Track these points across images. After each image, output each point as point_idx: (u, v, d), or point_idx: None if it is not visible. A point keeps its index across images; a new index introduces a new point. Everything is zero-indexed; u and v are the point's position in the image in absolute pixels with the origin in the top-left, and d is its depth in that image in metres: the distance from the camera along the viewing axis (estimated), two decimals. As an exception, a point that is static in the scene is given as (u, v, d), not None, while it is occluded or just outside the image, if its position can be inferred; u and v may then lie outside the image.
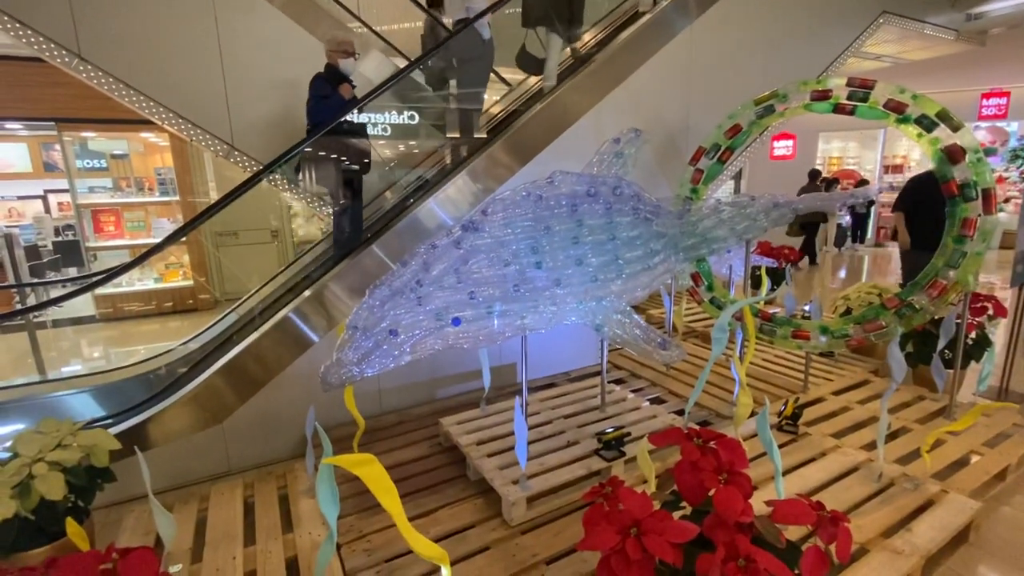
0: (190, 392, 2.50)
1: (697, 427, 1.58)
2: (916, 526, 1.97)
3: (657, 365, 3.74)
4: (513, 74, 4.09)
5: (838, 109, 2.90)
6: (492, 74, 3.92)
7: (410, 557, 1.89)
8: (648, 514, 1.31)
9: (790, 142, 9.89)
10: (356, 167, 3.13)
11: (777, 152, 9.67)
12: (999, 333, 4.21)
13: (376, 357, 1.76)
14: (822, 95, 2.91)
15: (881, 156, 10.39)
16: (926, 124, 2.67)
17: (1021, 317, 3.20)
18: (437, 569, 1.82)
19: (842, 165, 12.70)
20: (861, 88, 2.80)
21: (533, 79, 4.11)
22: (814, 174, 8.81)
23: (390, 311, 1.75)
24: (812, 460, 2.49)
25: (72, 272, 5.78)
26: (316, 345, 2.74)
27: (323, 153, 3.05)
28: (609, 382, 3.31)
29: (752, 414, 2.85)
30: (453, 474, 2.44)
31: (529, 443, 2.40)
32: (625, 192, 2.34)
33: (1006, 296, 5.37)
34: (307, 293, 2.82)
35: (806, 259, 8.55)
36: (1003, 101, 8.52)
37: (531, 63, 3.75)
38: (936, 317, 2.81)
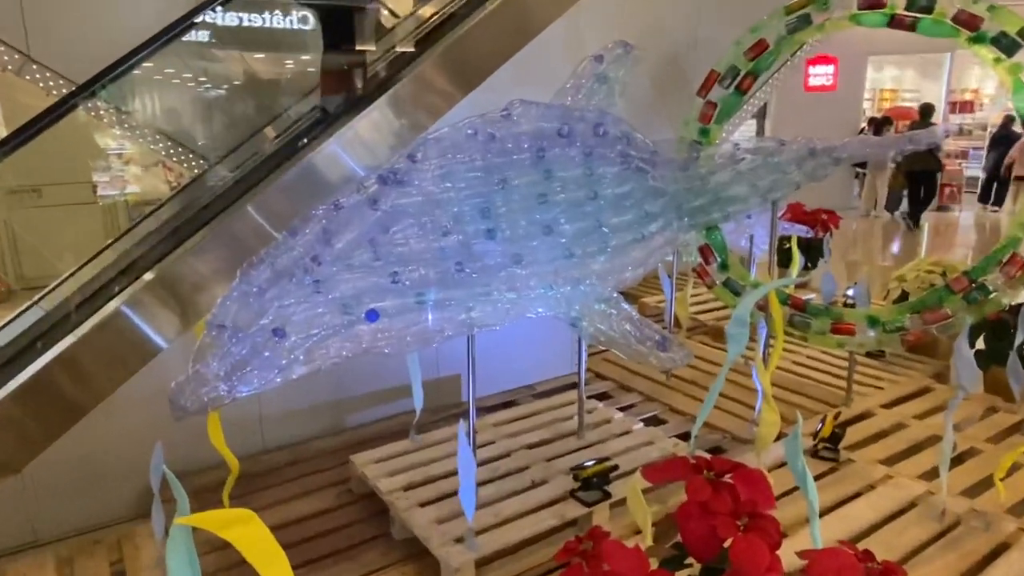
0: (-32, 427, 2.36)
1: (707, 455, 1.62)
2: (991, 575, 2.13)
3: (654, 372, 3.83)
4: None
5: (894, 22, 3.01)
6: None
7: (309, 653, 1.86)
8: (644, 577, 1.34)
9: (830, 68, 10.26)
10: None
11: (813, 81, 10.00)
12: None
13: (253, 369, 1.70)
14: (874, 3, 3.02)
15: (947, 90, 10.94)
16: (1005, 45, 2.82)
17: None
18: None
19: (897, 100, 13.33)
20: (925, -6, 2.92)
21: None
22: (926, 110, 9.40)
23: (273, 301, 1.70)
24: (858, 495, 2.63)
25: None
26: (164, 353, 2.64)
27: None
28: (589, 398, 3.36)
29: (780, 435, 2.97)
30: (371, 533, 2.43)
31: (479, 484, 2.40)
32: (611, 132, 2.35)
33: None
34: (149, 276, 2.70)
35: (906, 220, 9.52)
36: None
37: None
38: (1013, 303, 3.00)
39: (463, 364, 3.51)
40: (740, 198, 2.82)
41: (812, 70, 10.19)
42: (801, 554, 1.44)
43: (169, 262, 2.74)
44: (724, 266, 3.60)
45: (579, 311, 2.13)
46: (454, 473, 2.57)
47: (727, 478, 1.53)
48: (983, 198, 10.28)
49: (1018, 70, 2.83)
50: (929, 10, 2.93)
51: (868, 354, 4.04)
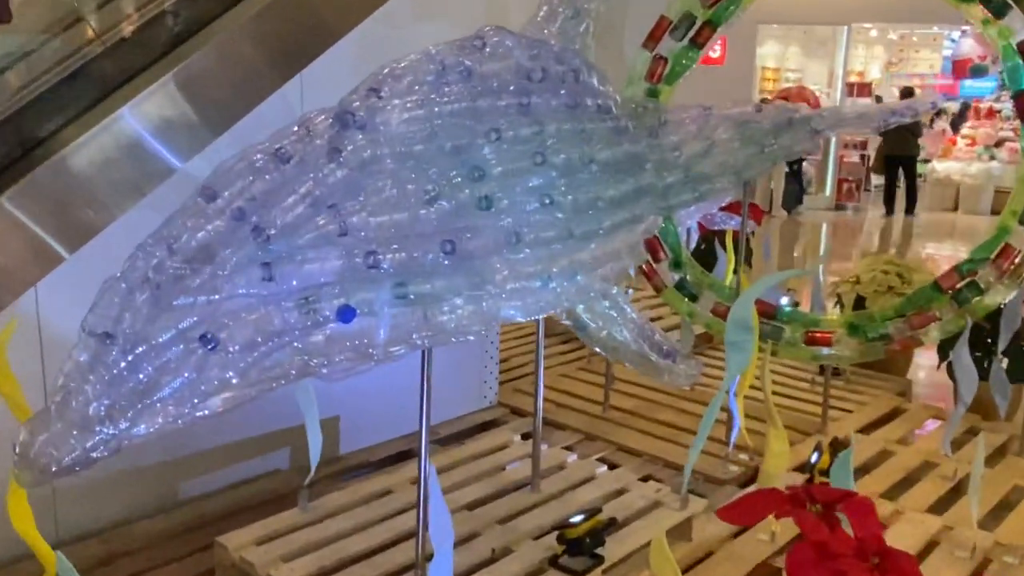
0: None
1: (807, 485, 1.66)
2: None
3: (587, 404, 3.90)
4: None
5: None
6: None
7: None
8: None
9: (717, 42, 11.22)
10: None
11: (714, 46, 10.90)
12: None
13: (163, 397, 1.47)
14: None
15: (844, 68, 12.37)
16: (996, 5, 3.24)
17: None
18: None
19: (780, 81, 14.83)
20: (909, -59, 3.28)
21: None
22: (907, 93, 11.11)
23: (199, 294, 1.48)
24: (873, 536, 2.84)
25: None
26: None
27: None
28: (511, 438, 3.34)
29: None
30: (268, 646, 2.20)
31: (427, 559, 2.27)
32: (587, 81, 2.37)
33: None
34: None
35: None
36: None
37: None
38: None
39: (337, 403, 3.37)
40: (711, 176, 2.94)
41: (696, 39, 11.07)
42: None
43: None
44: (678, 264, 3.75)
45: (587, 311, 2.10)
46: (378, 550, 2.46)
47: (837, 510, 1.58)
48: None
49: (1008, 34, 3.26)
50: (913, -41, 3.29)
51: (823, 371, 4.41)
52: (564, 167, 2.04)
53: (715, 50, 11.50)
